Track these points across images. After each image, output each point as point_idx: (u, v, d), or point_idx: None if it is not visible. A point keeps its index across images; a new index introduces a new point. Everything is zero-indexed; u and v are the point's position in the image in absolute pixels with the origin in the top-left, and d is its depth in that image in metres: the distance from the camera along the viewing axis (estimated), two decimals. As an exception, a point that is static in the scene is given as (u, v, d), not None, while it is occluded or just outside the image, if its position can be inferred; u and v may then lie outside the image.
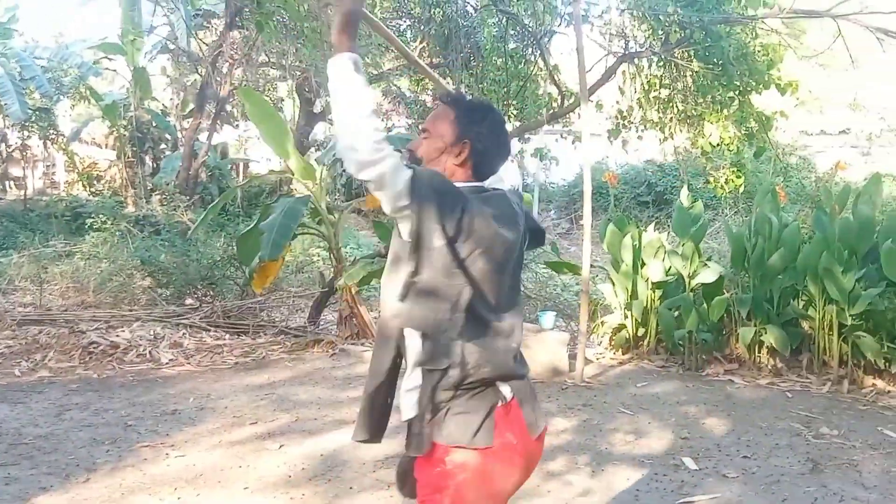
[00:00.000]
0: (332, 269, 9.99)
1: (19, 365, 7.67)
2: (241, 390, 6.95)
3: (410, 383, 2.39)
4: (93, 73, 19.89)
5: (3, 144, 21.10)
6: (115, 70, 22.27)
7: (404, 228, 2.32)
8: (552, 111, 11.01)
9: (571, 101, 10.86)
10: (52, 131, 20.36)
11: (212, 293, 10.80)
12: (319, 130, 23.85)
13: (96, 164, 22.70)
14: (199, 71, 18.22)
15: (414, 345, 2.35)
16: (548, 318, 7.80)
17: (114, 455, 5.21)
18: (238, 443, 5.51)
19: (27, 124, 19.54)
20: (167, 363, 7.91)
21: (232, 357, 8.25)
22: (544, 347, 7.48)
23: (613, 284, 8.38)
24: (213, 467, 5.00)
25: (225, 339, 8.93)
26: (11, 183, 23.96)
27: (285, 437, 5.64)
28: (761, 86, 9.19)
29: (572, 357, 7.63)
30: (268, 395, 6.77)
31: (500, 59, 11.47)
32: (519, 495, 4.49)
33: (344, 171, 12.06)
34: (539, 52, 11.01)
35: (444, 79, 17.68)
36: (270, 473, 4.92)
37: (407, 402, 2.41)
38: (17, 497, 4.47)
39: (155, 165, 21.24)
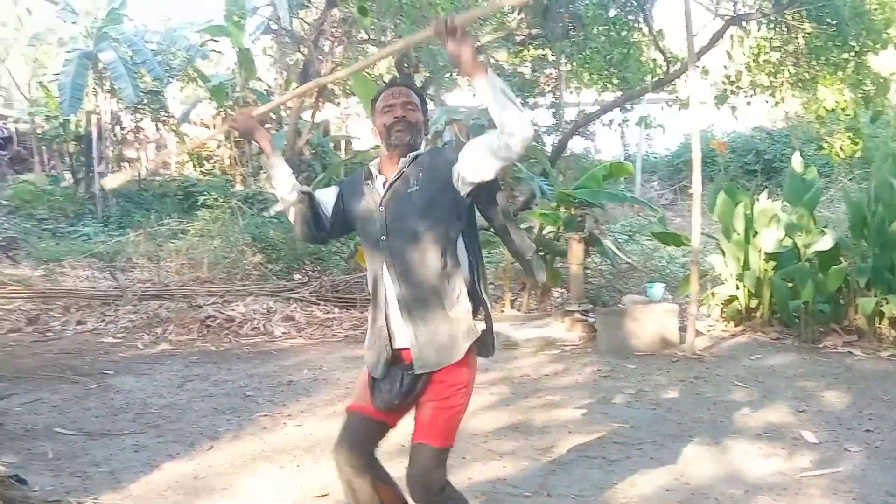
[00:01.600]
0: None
1: (142, 338, 8.02)
2: (352, 362, 7.10)
3: (458, 313, 2.89)
4: (200, 56, 20.44)
5: (118, 127, 21.90)
6: (220, 52, 22.82)
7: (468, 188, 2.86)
8: (657, 78, 10.77)
9: (677, 67, 10.61)
10: (162, 113, 21.06)
11: (319, 268, 11.05)
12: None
13: (205, 144, 23.35)
14: (302, 50, 18.49)
15: (458, 283, 2.89)
16: (657, 290, 7.69)
17: (234, 424, 5.40)
18: (352, 413, 5.62)
19: (139, 107, 20.25)
20: (280, 336, 8.15)
21: (342, 330, 8.44)
22: (653, 319, 7.38)
23: (724, 255, 8.19)
24: (329, 437, 5.08)
25: (334, 313, 9.13)
26: (126, 164, 24.89)
27: (397, 407, 5.72)
28: (878, 46, 8.78)
29: (682, 329, 7.51)
30: (378, 367, 6.87)
31: (602, 28, 11.25)
32: (633, 468, 4.47)
33: (446, 144, 12.07)
34: (643, 17, 10.76)
35: (544, 49, 17.50)
36: (385, 443, 4.99)
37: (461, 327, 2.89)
38: (146, 463, 4.68)
39: (261, 144, 21.70)
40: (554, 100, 20.34)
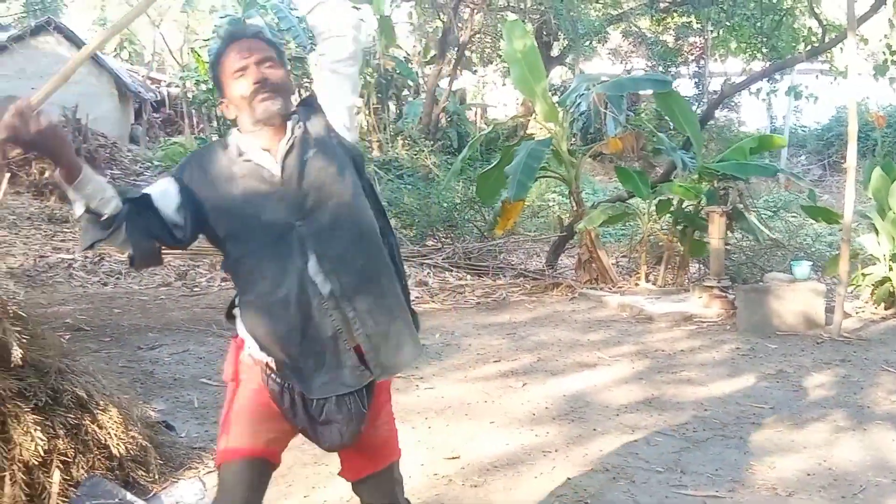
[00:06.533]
0: (571, 214, 9.97)
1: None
2: (483, 329, 7.14)
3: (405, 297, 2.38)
4: (342, 23, 20.76)
5: (264, 93, 22.58)
6: (361, 19, 23.12)
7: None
8: (810, 47, 10.25)
9: (832, 35, 10.06)
10: (305, 80, 21.55)
11: (452, 235, 11.14)
12: (556, 75, 23.68)
13: None
14: (441, 17, 18.56)
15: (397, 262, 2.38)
16: (803, 268, 7.35)
17: (368, 383, 5.51)
18: (482, 379, 5.66)
19: (284, 73, 20.80)
20: (413, 300, 8.22)
21: (473, 297, 8.48)
22: (798, 298, 7.07)
23: (877, 234, 7.75)
24: (460, 401, 5.17)
25: (466, 280, 9.20)
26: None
27: (528, 376, 5.73)
28: None
29: (828, 310, 7.16)
30: (509, 335, 6.91)
31: (754, -7, 10.79)
32: (772, 449, 4.31)
33: (582, 114, 12.00)
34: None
35: (689, 17, 16.94)
36: (515, 410, 5.02)
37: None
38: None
39: (398, 111, 21.98)
40: (697, 69, 19.75)
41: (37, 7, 21.81)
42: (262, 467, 2.30)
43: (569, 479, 3.96)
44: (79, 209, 2.08)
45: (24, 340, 3.40)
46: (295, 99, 2.36)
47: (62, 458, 3.40)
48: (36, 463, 3.30)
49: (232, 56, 2.26)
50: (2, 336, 3.34)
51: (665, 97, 8.94)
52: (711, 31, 16.68)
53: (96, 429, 3.55)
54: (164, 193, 2.22)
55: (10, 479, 3.24)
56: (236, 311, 2.32)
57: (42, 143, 1.96)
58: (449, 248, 10.42)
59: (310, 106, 2.33)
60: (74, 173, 2.02)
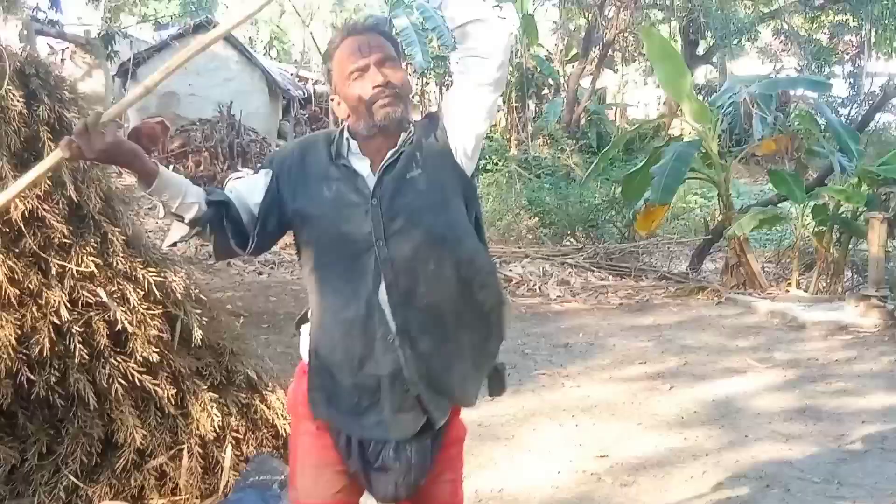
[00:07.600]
0: (718, 216, 9.76)
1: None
2: (627, 330, 7.10)
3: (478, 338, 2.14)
4: (486, 21, 20.92)
5: (406, 91, 23.00)
6: (504, 17, 23.21)
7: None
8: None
9: None
10: (447, 78, 21.81)
11: (592, 235, 11.09)
12: (699, 74, 23.14)
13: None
14: (586, 15, 18.44)
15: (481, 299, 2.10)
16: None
17: (514, 379, 5.58)
18: (628, 380, 5.65)
19: (426, 72, 21.10)
20: (555, 299, 8.31)
21: (616, 298, 8.44)
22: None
23: None
24: (606, 400, 5.18)
25: (608, 280, 9.17)
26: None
27: (675, 379, 5.68)
28: None
29: None
30: (655, 338, 6.85)
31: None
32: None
33: (727, 114, 11.72)
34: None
35: (846, 15, 16.23)
36: (662, 412, 4.98)
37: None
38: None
39: (538, 110, 21.94)
40: (853, 69, 18.90)
41: (194, 6, 22.94)
42: None
43: (720, 483, 3.92)
44: (161, 212, 2.01)
45: (204, 323, 3.63)
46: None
47: (234, 434, 3.60)
48: (211, 438, 3.52)
49: (349, 51, 2.03)
50: (184, 318, 3.58)
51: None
52: (869, 29, 15.92)
53: (265, 408, 3.75)
54: (252, 188, 2.07)
55: (188, 452, 3.47)
56: (304, 328, 2.14)
57: (107, 158, 1.88)
58: (590, 248, 10.39)
59: (433, 122, 2.09)
60: (149, 181, 1.91)
